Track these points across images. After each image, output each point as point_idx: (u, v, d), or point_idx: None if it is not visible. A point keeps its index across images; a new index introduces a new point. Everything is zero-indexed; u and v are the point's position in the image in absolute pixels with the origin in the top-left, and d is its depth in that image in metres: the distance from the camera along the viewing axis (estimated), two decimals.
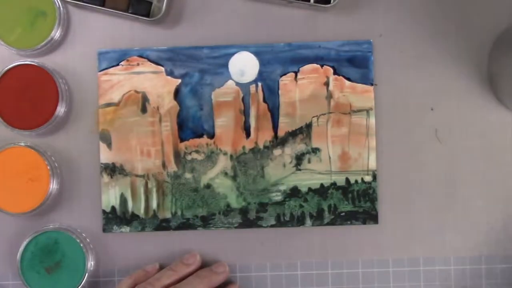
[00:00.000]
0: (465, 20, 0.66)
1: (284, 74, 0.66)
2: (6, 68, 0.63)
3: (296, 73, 0.66)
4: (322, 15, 0.66)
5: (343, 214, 0.66)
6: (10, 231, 0.66)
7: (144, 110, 0.66)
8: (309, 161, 0.66)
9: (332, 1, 0.64)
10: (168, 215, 0.66)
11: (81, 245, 0.64)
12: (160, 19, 0.65)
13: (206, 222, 0.66)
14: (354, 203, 0.66)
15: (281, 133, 0.66)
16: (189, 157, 0.66)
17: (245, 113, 0.66)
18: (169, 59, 0.65)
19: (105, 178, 0.65)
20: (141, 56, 0.65)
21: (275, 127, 0.66)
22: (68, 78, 0.66)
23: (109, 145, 0.66)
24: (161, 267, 0.65)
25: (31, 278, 0.64)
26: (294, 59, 0.65)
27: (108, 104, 0.66)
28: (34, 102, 0.64)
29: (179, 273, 0.63)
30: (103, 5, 0.64)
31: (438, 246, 0.66)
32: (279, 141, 0.66)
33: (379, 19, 0.66)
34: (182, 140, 0.66)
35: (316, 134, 0.66)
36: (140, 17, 0.64)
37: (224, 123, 0.66)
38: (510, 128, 0.66)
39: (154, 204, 0.66)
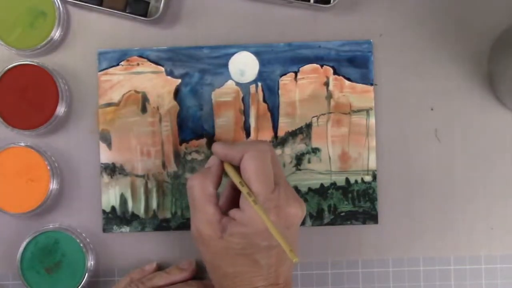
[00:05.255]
0: (465, 20, 0.66)
1: (284, 74, 0.66)
2: (6, 68, 0.63)
3: (296, 73, 0.66)
4: (322, 15, 0.66)
5: (343, 214, 0.66)
6: (10, 231, 0.66)
7: (144, 110, 0.66)
8: (309, 161, 0.66)
9: (332, 1, 0.64)
10: (168, 215, 0.66)
11: (81, 245, 0.64)
12: (158, 19, 0.65)
13: None
14: (354, 203, 0.66)
15: (281, 133, 0.66)
16: (189, 157, 0.66)
17: (245, 113, 0.66)
18: (169, 59, 0.66)
19: (105, 178, 0.65)
20: (141, 56, 0.65)
21: (275, 127, 0.66)
22: (68, 78, 0.66)
23: (109, 145, 0.66)
24: (160, 267, 0.65)
25: (31, 278, 0.64)
26: (294, 59, 0.65)
27: (108, 104, 0.66)
28: (34, 102, 0.64)
29: (172, 277, 0.63)
30: (101, 5, 0.64)
31: (438, 246, 0.66)
32: (279, 141, 0.66)
33: (379, 19, 0.66)
34: (182, 140, 0.66)
35: (316, 134, 0.66)
36: (137, 16, 0.64)
37: (224, 123, 0.66)
38: (510, 128, 0.66)
39: (154, 204, 0.66)
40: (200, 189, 0.57)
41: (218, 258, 0.57)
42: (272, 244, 0.55)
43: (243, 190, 0.55)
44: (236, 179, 0.56)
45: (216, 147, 0.58)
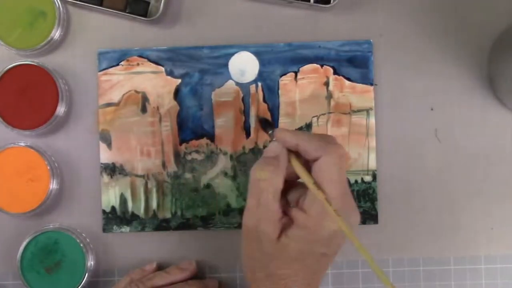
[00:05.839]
0: (465, 20, 0.66)
1: (284, 74, 0.66)
2: (6, 68, 0.63)
3: (296, 73, 0.66)
4: (322, 15, 0.66)
5: None
6: (10, 231, 0.66)
7: (144, 110, 0.66)
8: None
9: (332, 1, 0.64)
10: (168, 215, 0.66)
11: (81, 245, 0.64)
12: (158, 19, 0.65)
13: (206, 222, 0.66)
14: None
15: None
16: (189, 157, 0.66)
17: (245, 113, 0.66)
18: (169, 59, 0.66)
19: (105, 178, 0.65)
20: (141, 56, 0.65)
21: (275, 127, 0.66)
22: (68, 78, 0.66)
23: (109, 145, 0.66)
24: (160, 267, 0.65)
25: (31, 278, 0.64)
26: (294, 59, 0.65)
27: (108, 104, 0.66)
28: (34, 102, 0.64)
29: (173, 277, 0.63)
30: (101, 5, 0.64)
31: (438, 246, 0.66)
32: None
33: (379, 19, 0.66)
34: (182, 140, 0.66)
35: None
36: (137, 16, 0.64)
37: (224, 123, 0.66)
38: (510, 128, 0.66)
39: (154, 204, 0.66)
40: (271, 183, 0.51)
41: (268, 259, 0.53)
42: (326, 253, 0.53)
43: (319, 195, 0.50)
44: (308, 179, 0.51)
45: (284, 133, 0.53)
